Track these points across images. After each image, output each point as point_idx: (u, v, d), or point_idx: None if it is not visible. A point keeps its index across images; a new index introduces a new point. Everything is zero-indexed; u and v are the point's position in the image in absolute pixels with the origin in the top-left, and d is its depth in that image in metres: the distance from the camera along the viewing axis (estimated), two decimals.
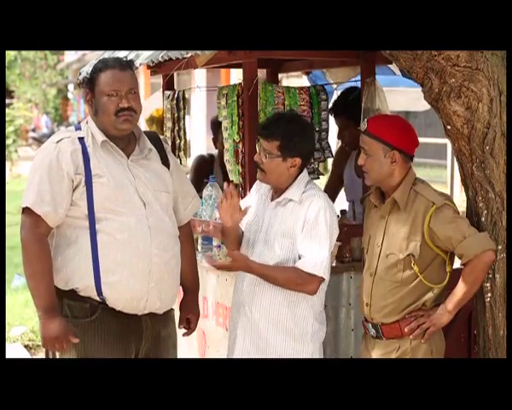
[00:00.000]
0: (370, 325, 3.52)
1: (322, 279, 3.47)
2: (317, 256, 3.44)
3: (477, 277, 3.37)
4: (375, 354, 3.51)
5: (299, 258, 3.47)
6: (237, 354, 3.58)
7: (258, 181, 3.78)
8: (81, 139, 3.38)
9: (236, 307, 3.63)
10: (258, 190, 3.72)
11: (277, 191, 3.60)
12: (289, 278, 3.46)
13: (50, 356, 3.43)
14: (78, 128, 3.45)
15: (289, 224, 3.52)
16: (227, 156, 4.44)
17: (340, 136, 5.06)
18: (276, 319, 3.51)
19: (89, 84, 3.41)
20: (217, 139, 5.38)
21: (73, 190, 3.32)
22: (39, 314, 3.32)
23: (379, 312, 3.48)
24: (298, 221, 3.50)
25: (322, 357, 3.60)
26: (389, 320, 3.46)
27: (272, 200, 3.62)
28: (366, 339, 3.60)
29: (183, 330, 3.73)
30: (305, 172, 3.62)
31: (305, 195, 3.53)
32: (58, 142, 3.36)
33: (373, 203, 3.58)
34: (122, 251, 3.32)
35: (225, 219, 3.58)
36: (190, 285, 3.70)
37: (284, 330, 3.51)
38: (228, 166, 4.48)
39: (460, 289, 3.36)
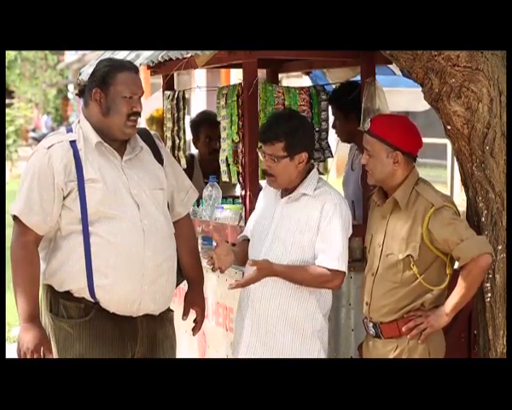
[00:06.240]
0: (371, 324, 3.53)
1: (344, 273, 3.52)
2: (337, 252, 3.48)
3: (474, 280, 3.34)
4: (375, 353, 3.51)
5: (318, 255, 3.49)
6: (243, 349, 3.57)
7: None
8: (73, 142, 3.34)
9: (245, 301, 3.61)
10: (266, 188, 3.72)
11: (288, 189, 3.61)
12: (315, 277, 3.48)
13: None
14: (69, 130, 3.41)
15: (304, 216, 3.53)
16: (223, 156, 4.44)
17: (333, 125, 5.04)
18: (285, 314, 3.52)
19: (101, 83, 3.34)
20: (197, 140, 5.43)
21: (65, 197, 3.30)
22: (20, 322, 3.31)
23: (377, 311, 3.48)
24: (313, 216, 3.51)
25: (326, 355, 3.60)
26: (387, 319, 3.46)
27: (282, 197, 3.62)
28: (367, 338, 3.60)
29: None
30: (315, 169, 3.64)
31: (318, 191, 3.56)
32: (49, 148, 3.32)
33: (376, 202, 3.58)
34: (115, 254, 3.30)
35: (220, 264, 3.52)
36: (193, 279, 3.68)
37: (293, 325, 3.52)
38: (222, 167, 4.47)
39: (457, 292, 3.34)
